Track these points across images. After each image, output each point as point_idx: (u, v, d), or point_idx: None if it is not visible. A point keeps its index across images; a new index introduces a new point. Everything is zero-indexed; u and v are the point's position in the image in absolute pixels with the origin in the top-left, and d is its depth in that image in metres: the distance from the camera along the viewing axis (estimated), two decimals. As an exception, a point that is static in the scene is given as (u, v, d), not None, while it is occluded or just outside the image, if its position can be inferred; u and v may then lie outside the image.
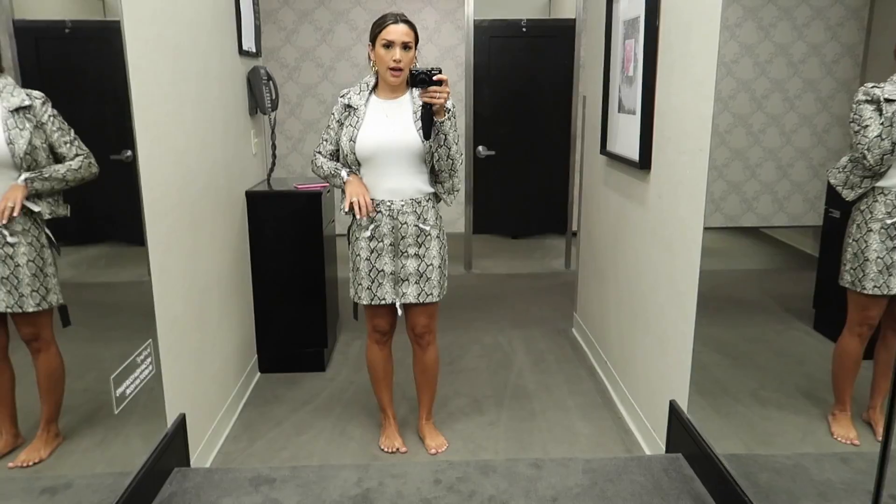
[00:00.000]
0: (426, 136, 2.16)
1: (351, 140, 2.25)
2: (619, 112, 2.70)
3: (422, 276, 2.32)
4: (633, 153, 2.48)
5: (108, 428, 1.87)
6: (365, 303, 2.36)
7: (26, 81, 1.48)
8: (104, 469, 1.96)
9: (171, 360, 2.08)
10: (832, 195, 2.86)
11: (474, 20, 4.63)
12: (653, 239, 2.35)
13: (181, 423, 2.12)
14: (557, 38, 4.74)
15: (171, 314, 2.09)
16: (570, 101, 4.77)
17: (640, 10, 2.37)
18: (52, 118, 1.40)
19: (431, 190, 2.33)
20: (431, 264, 2.33)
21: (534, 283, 4.57)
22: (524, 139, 4.93)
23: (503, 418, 2.72)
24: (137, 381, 1.82)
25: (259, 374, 3.15)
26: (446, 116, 2.15)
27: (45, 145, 1.39)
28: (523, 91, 4.85)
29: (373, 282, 2.33)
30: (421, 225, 2.29)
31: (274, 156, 3.30)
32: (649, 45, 2.30)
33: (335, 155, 2.36)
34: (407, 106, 2.25)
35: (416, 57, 2.24)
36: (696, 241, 2.00)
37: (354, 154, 2.25)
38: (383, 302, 2.34)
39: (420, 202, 2.29)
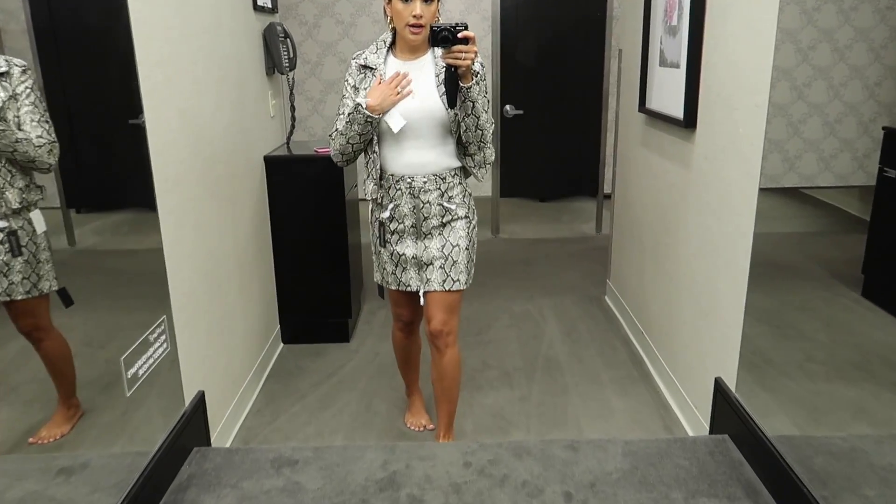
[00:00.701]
0: (451, 103, 1.89)
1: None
2: (660, 66, 2.50)
3: (447, 259, 2.05)
4: (677, 110, 2.28)
5: (130, 400, 1.79)
6: (392, 288, 2.15)
7: (41, 45, 1.36)
8: (124, 447, 1.89)
9: (187, 336, 1.98)
10: (888, 152, 2.65)
11: (501, -29, 4.38)
12: (697, 204, 2.18)
13: (200, 400, 2.02)
14: (589, -12, 4.48)
15: (185, 287, 1.98)
16: (602, 55, 4.52)
17: (686, -48, 2.15)
18: (28, 91, 1.27)
19: (458, 164, 2.06)
20: (458, 245, 2.06)
21: (564, 249, 4.41)
22: (554, 97, 4.70)
23: (534, 392, 2.60)
24: (151, 361, 1.72)
25: (282, 344, 3.07)
26: (474, 81, 1.86)
27: (15, 119, 1.26)
28: (553, 45, 4.61)
29: (396, 266, 2.11)
30: (446, 203, 2.04)
31: (293, 118, 3.16)
32: (697, -10, 2.09)
33: None
34: (429, 68, 1.99)
35: (438, 11, 1.96)
36: (749, 207, 1.83)
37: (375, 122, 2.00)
38: (408, 288, 2.11)
39: (445, 178, 2.03)
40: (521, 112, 4.49)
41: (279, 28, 2.90)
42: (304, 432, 2.37)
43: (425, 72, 2.00)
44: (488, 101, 1.96)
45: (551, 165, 4.91)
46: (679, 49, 2.27)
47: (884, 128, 2.72)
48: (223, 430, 2.27)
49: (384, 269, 2.15)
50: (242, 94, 2.58)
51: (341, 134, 1.98)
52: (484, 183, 4.97)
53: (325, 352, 2.98)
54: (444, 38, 1.78)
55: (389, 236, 2.09)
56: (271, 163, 2.87)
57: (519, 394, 2.59)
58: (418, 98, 1.96)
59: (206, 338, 2.14)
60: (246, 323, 2.57)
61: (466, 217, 2.08)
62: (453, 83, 1.87)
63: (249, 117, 2.68)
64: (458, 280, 2.07)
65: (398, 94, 1.93)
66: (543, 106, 4.68)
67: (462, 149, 2.06)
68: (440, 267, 2.06)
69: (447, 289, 2.06)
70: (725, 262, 1.99)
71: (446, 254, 2.06)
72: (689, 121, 2.18)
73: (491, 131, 2.01)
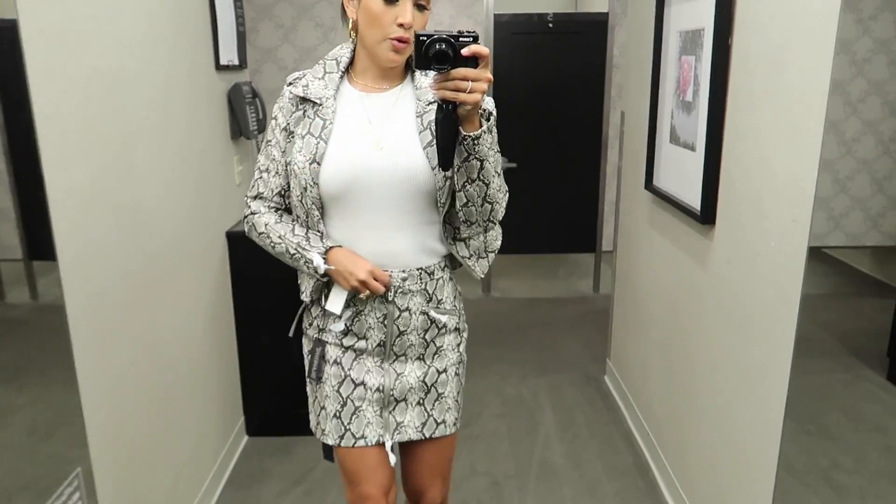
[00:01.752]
0: (444, 162, 1.23)
1: (312, 161, 1.31)
2: (670, 142, 2.21)
3: (429, 393, 1.45)
4: (692, 199, 1.99)
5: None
6: (331, 442, 1.44)
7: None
8: None
9: (114, 479, 1.65)
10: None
11: (494, 14, 4.13)
12: (719, 314, 1.88)
13: (129, 550, 1.71)
14: (587, 34, 4.22)
15: (114, 420, 1.66)
16: (601, 105, 4.26)
17: (705, 21, 1.87)
18: None
19: (446, 251, 1.45)
20: (446, 372, 1.46)
21: (560, 311, 4.11)
22: (549, 147, 4.43)
23: (528, 510, 2.28)
24: (56, 530, 1.40)
25: (247, 437, 2.74)
26: (484, 127, 1.20)
27: None
28: (549, 94, 4.34)
29: (343, 404, 1.42)
30: (433, 312, 1.43)
31: (262, 183, 2.85)
32: (719, 67, 1.81)
33: (284, 199, 1.43)
34: (407, 104, 1.36)
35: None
36: (786, 335, 1.52)
37: (317, 189, 1.32)
38: (362, 443, 1.43)
39: (432, 273, 1.42)
40: (513, 165, 4.20)
41: (246, 88, 2.61)
42: (260, 566, 2.04)
43: (402, 109, 1.36)
44: (499, 161, 1.33)
45: (547, 218, 4.63)
46: (695, 130, 1.98)
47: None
48: (164, 568, 1.94)
49: (322, 407, 1.45)
50: (201, 167, 2.28)
51: (269, 240, 1.42)
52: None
53: (294, 447, 2.65)
54: (442, 54, 1.11)
55: (341, 356, 1.43)
56: (234, 239, 2.56)
57: (510, 511, 2.27)
58: (389, 153, 1.31)
59: (142, 465, 1.81)
60: (201, 427, 2.24)
61: (457, 329, 1.49)
62: (450, 131, 1.19)
63: (210, 190, 2.37)
64: (445, 422, 1.47)
65: (374, 285, 1.34)
66: (539, 156, 4.40)
67: (451, 229, 1.43)
68: (418, 404, 1.45)
69: (428, 436, 1.46)
70: (756, 396, 1.68)
71: (429, 384, 1.45)
72: (707, 216, 1.89)
73: (503, 205, 1.40)
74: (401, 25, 1.25)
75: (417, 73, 1.37)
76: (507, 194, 1.42)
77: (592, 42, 4.20)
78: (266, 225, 1.42)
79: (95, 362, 1.56)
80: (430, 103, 1.31)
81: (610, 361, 3.16)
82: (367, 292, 1.35)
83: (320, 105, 1.34)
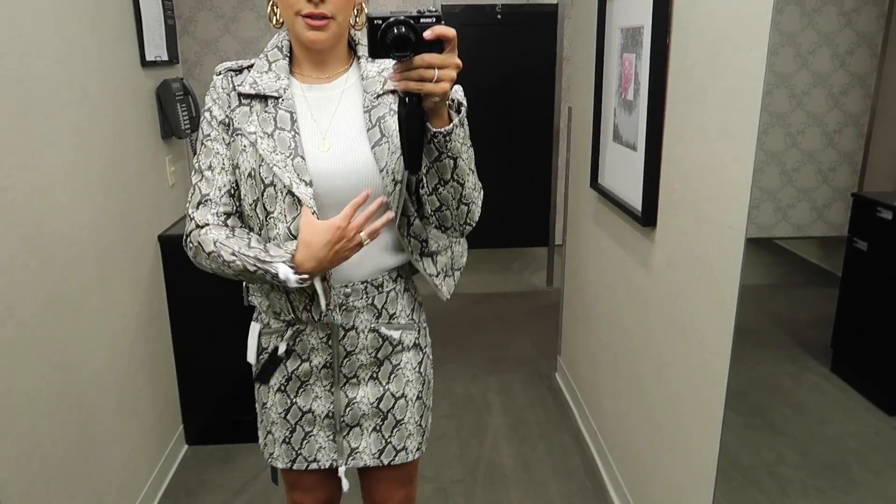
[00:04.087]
0: (411, 164, 1.07)
1: (294, 156, 1.15)
2: (613, 141, 2.18)
3: (386, 419, 1.32)
4: (634, 200, 1.96)
5: None
6: (281, 466, 1.36)
7: None
8: None
9: (26, 505, 1.55)
10: (859, 219, 2.39)
11: (443, 5, 4.05)
12: (661, 317, 1.85)
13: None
14: (538, 25, 4.17)
15: (24, 445, 1.55)
16: (552, 97, 4.22)
17: (644, 19, 1.83)
18: None
19: (401, 260, 1.30)
20: (405, 395, 1.33)
21: (513, 306, 4.08)
22: (500, 141, 4.38)
23: (475, 516, 2.24)
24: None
25: (186, 446, 2.64)
26: (455, 121, 1.05)
27: None
28: (499, 87, 4.29)
29: (293, 430, 1.33)
30: (384, 329, 1.29)
31: (199, 183, 2.74)
32: (657, 67, 1.77)
33: (234, 199, 1.21)
34: (353, 96, 1.21)
35: None
36: (723, 344, 1.50)
37: (309, 187, 1.14)
38: (315, 466, 1.35)
39: (381, 286, 1.27)
40: (465, 158, 4.14)
41: (176, 85, 2.48)
42: (195, 586, 1.96)
43: (346, 105, 1.21)
44: (471, 156, 1.16)
45: (500, 212, 4.59)
46: (636, 129, 1.94)
47: (853, 194, 2.46)
48: None
49: (269, 432, 1.35)
50: (128, 169, 2.16)
51: (215, 255, 1.16)
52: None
53: (235, 456, 2.56)
54: (401, 38, 0.95)
55: (284, 382, 1.32)
56: (167, 243, 2.44)
57: (456, 519, 2.23)
58: (335, 154, 1.17)
59: (62, 488, 1.71)
60: (131, 441, 2.14)
61: (416, 346, 1.34)
62: (416, 128, 1.03)
63: (139, 193, 2.25)
64: (406, 449, 1.34)
65: (359, 242, 1.13)
66: (490, 149, 4.36)
67: (417, 243, 1.27)
68: (375, 430, 1.32)
69: (387, 463, 1.34)
70: (696, 391, 1.66)
71: (385, 410, 1.32)
72: (649, 218, 1.86)
73: (480, 204, 1.22)
74: (310, 1, 1.09)
75: (363, 58, 1.22)
76: (482, 192, 1.24)
77: (542, 34, 4.16)
78: (215, 242, 1.16)
79: (1, 386, 1.45)
80: (379, 95, 1.19)
81: (560, 359, 3.14)
82: (366, 235, 1.13)
83: (278, 98, 1.17)
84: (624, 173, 2.06)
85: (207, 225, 1.18)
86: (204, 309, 2.50)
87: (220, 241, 1.17)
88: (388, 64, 1.04)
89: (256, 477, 2.44)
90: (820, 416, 2.48)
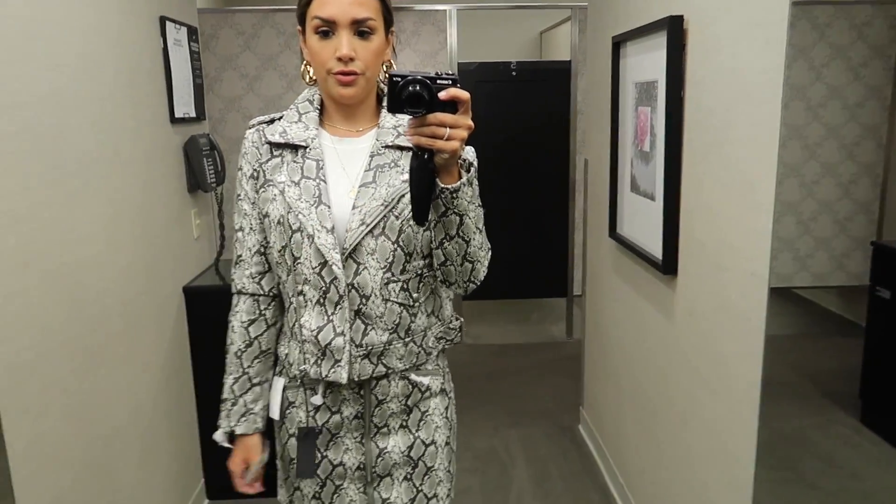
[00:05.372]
0: (418, 215, 1.11)
1: (318, 204, 1.20)
2: (632, 191, 2.20)
3: (417, 466, 1.32)
4: (654, 249, 1.97)
5: None
6: None
7: None
8: None
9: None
10: (881, 268, 2.37)
11: (459, 63, 4.16)
12: (686, 368, 1.84)
13: None
14: (551, 81, 4.27)
15: (47, 499, 1.55)
16: (567, 150, 4.28)
17: (658, 74, 1.88)
18: None
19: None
20: (434, 442, 1.33)
21: (533, 357, 4.05)
22: (517, 193, 4.43)
23: (498, 574, 2.18)
24: None
25: (207, 500, 2.61)
26: (464, 179, 1.09)
27: None
28: (515, 140, 4.37)
29: (323, 485, 1.32)
30: (414, 376, 1.31)
31: (223, 237, 2.79)
32: (673, 119, 1.80)
33: (265, 257, 1.29)
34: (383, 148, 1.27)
35: (394, 51, 1.28)
36: (751, 391, 1.49)
37: (331, 235, 1.19)
38: None
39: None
40: (481, 210, 4.19)
41: (203, 140, 2.56)
42: None
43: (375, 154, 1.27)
44: (480, 216, 1.19)
45: (517, 263, 4.61)
46: (653, 180, 1.97)
47: (872, 243, 2.45)
48: None
49: (297, 487, 1.35)
50: (155, 222, 2.22)
51: (227, 344, 1.37)
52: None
53: (255, 512, 2.53)
54: (415, 96, 1.01)
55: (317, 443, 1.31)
56: (192, 294, 2.48)
57: (480, 577, 2.17)
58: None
59: (81, 547, 1.70)
60: (152, 495, 2.12)
61: (443, 391, 1.35)
62: (424, 181, 1.07)
63: (165, 246, 2.30)
64: (437, 496, 1.34)
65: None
66: (507, 201, 4.41)
67: (425, 289, 1.29)
68: (405, 479, 1.32)
69: None
70: (725, 451, 1.63)
71: (415, 458, 1.32)
72: (669, 266, 1.86)
73: (486, 263, 1.25)
74: (340, 59, 1.15)
75: (383, 112, 1.27)
76: (490, 252, 1.26)
77: (556, 88, 4.25)
78: (231, 341, 1.35)
79: (27, 438, 1.46)
80: (387, 146, 1.24)
81: (583, 410, 3.10)
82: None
83: (306, 148, 1.23)
84: (643, 222, 2.08)
85: (242, 294, 1.32)
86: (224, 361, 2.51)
87: (234, 341, 1.35)
88: (406, 119, 1.08)
89: (275, 533, 2.40)
90: (852, 469, 2.41)
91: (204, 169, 2.56)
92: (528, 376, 3.77)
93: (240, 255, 1.31)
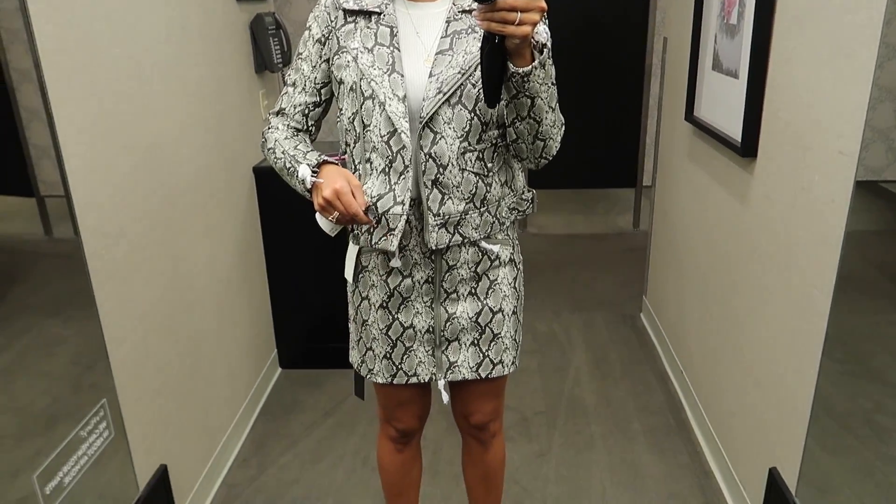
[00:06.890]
0: (490, 98, 1.08)
1: (391, 72, 1.19)
2: (713, 69, 2.07)
3: (484, 333, 1.35)
4: (734, 131, 1.87)
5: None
6: (382, 381, 1.40)
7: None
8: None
9: (143, 407, 1.70)
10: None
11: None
12: (757, 253, 1.78)
13: (160, 478, 1.77)
14: (632, -47, 3.96)
15: (138, 354, 1.69)
16: (644, 33, 4.03)
17: (752, -66, 1.70)
18: None
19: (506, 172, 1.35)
20: (502, 311, 1.36)
21: (598, 247, 4.02)
22: (589, 78, 4.24)
23: (555, 446, 2.27)
24: (85, 459, 1.45)
25: (280, 369, 2.80)
26: (536, 61, 1.05)
27: None
28: (589, 22, 4.13)
29: (394, 346, 1.37)
30: (484, 243, 1.32)
31: (290, 118, 2.81)
32: (765, -14, 1.65)
33: (308, 119, 1.31)
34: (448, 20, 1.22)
35: None
36: (825, 279, 1.44)
37: (403, 104, 1.18)
38: (415, 380, 1.39)
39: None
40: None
41: (269, 19, 2.53)
42: (290, 494, 2.10)
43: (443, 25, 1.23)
44: (554, 95, 1.16)
45: (586, 152, 4.48)
46: (738, 55, 1.84)
47: None
48: (200, 490, 2.01)
49: (369, 348, 1.40)
50: (223, 101, 2.24)
51: (275, 156, 1.29)
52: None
53: (325, 380, 2.70)
54: None
55: (387, 298, 1.34)
56: (261, 175, 2.54)
57: (538, 448, 2.27)
58: (440, 74, 1.19)
59: (171, 395, 1.86)
60: (231, 360, 2.29)
61: (512, 261, 1.37)
62: (496, 64, 1.05)
63: (234, 126, 2.34)
64: (503, 362, 1.38)
65: (342, 208, 1.14)
66: (578, 87, 4.23)
67: (498, 159, 1.28)
68: (473, 343, 1.36)
69: (484, 376, 1.38)
70: (792, 335, 1.61)
71: (483, 324, 1.35)
72: (749, 149, 1.77)
73: (557, 141, 1.24)
74: None
75: None
76: (563, 127, 1.25)
77: (637, -38, 3.94)
78: (276, 140, 1.29)
79: (116, 299, 1.58)
80: (464, 11, 1.21)
81: (646, 299, 3.09)
82: (340, 221, 1.17)
83: (380, 14, 1.21)
84: (723, 103, 1.97)
85: (277, 127, 1.32)
86: (296, 239, 2.60)
87: (279, 140, 1.30)
88: None
89: (343, 401, 2.56)
90: (925, 366, 2.34)
91: (270, 48, 2.54)
92: (592, 266, 3.76)
93: (283, 108, 1.32)
